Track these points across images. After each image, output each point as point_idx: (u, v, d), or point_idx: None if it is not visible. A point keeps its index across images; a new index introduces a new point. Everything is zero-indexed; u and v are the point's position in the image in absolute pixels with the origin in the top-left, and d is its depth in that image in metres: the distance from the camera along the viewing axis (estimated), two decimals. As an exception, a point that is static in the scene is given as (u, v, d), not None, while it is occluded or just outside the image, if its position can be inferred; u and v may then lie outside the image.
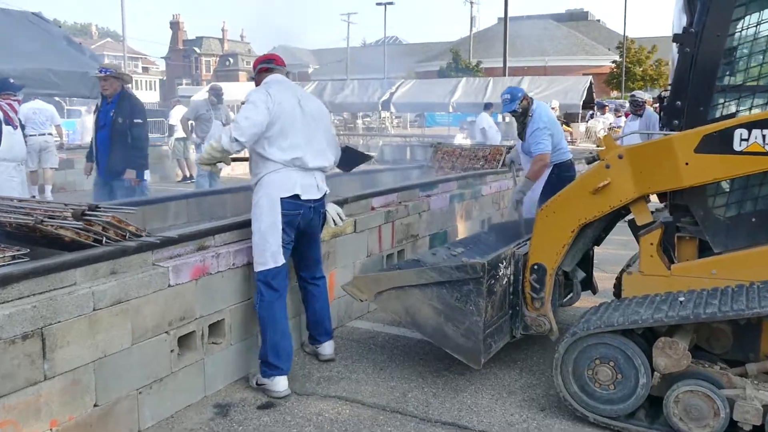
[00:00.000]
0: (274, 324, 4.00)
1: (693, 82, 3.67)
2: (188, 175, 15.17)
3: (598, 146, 4.80)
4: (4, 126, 6.80)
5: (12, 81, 7.46)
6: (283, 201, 3.98)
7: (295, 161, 4.02)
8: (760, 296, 3.38)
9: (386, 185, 5.83)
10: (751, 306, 3.30)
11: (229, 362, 4.08)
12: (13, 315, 2.88)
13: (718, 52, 3.62)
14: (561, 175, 6.18)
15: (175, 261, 3.69)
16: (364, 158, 5.20)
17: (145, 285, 3.44)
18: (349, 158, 4.90)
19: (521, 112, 6.16)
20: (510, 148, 7.33)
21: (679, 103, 3.76)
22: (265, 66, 4.28)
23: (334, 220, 4.38)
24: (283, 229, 3.99)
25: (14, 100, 7.25)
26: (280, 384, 3.96)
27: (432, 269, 4.04)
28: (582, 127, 22.68)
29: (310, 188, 4.08)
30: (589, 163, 4.21)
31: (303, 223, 4.09)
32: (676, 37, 3.76)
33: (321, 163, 4.14)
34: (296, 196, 4.01)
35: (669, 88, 3.96)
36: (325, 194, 4.22)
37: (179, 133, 14.28)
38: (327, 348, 4.50)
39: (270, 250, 3.97)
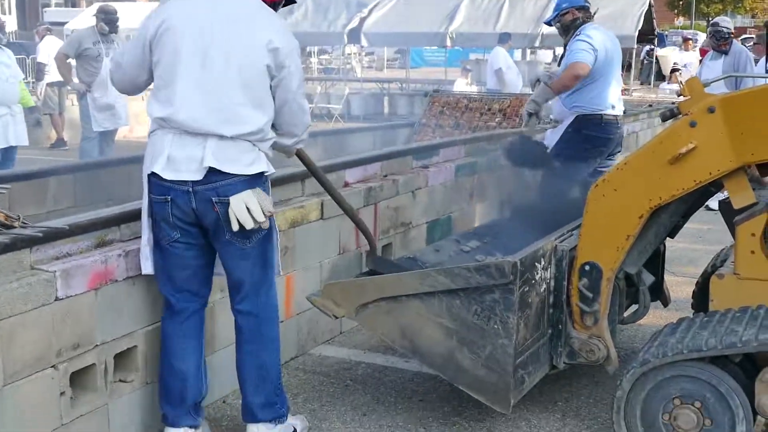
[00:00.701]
0: (164, 352, 3.99)
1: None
2: (63, 138, 15.06)
3: (679, 96, 4.84)
4: None
5: None
6: (150, 179, 3.82)
7: (168, 121, 3.75)
8: None
9: (364, 151, 5.83)
10: None
11: (145, 408, 4.07)
12: None
13: None
14: (582, 131, 6.40)
15: (64, 263, 3.67)
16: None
17: (21, 298, 3.41)
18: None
19: (560, 27, 6.34)
20: None
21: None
22: None
23: (238, 220, 3.74)
24: (154, 220, 3.86)
25: None
26: None
27: (440, 272, 4.05)
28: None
29: (184, 162, 3.73)
30: (665, 119, 4.25)
31: (187, 217, 3.79)
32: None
33: (218, 127, 3.72)
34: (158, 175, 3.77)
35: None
36: (221, 174, 3.73)
37: (53, 75, 14.14)
38: None
39: (142, 249, 3.92)
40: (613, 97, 6.52)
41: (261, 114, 3.81)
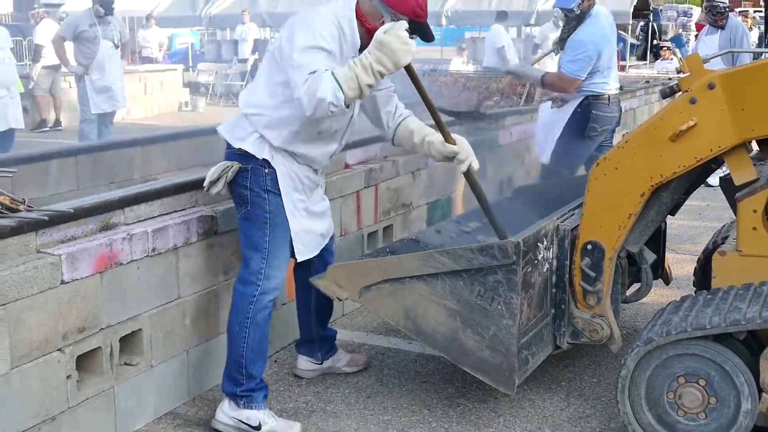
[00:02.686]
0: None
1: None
2: (56, 119, 15.03)
3: (679, 72, 4.90)
4: None
5: None
6: None
7: None
8: None
9: (364, 132, 5.80)
10: None
11: (150, 391, 4.09)
12: None
13: None
14: (591, 112, 6.46)
15: (69, 246, 3.67)
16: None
17: (27, 282, 3.42)
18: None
19: (577, 16, 6.27)
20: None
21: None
22: None
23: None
24: None
25: None
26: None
27: (443, 253, 4.05)
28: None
29: None
30: (665, 96, 4.25)
31: None
32: None
33: None
34: None
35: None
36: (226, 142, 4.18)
37: (50, 58, 14.10)
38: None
39: None
40: (614, 76, 6.61)
41: (263, 92, 4.04)
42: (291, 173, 4.07)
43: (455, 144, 4.23)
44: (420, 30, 4.03)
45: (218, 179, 4.02)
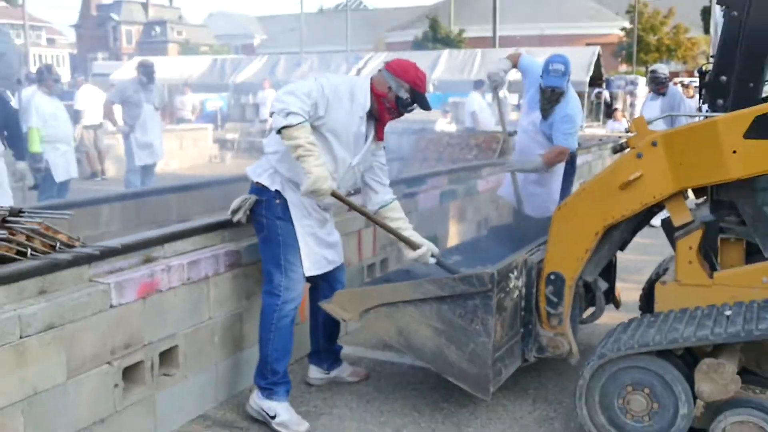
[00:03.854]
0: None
1: (742, 53, 3.75)
2: (96, 172, 15.05)
3: (627, 131, 4.95)
4: None
5: None
6: None
7: None
8: (820, 308, 3.48)
9: (364, 181, 5.87)
10: (811, 319, 3.39)
11: (184, 398, 4.09)
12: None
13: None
14: (574, 164, 6.51)
15: (117, 276, 3.69)
16: None
17: (81, 306, 3.44)
18: None
19: (560, 91, 6.07)
20: (511, 133, 7.31)
21: (724, 78, 3.84)
22: None
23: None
24: None
25: None
26: None
27: (430, 281, 4.08)
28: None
29: None
30: (615, 152, 4.30)
31: None
32: (721, -1, 3.85)
33: None
34: None
35: (711, 60, 4.05)
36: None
37: (88, 119, 14.15)
38: None
39: None
40: None
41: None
42: (299, 203, 4.16)
43: (418, 250, 4.41)
44: (418, 99, 4.19)
45: (239, 209, 4.20)
